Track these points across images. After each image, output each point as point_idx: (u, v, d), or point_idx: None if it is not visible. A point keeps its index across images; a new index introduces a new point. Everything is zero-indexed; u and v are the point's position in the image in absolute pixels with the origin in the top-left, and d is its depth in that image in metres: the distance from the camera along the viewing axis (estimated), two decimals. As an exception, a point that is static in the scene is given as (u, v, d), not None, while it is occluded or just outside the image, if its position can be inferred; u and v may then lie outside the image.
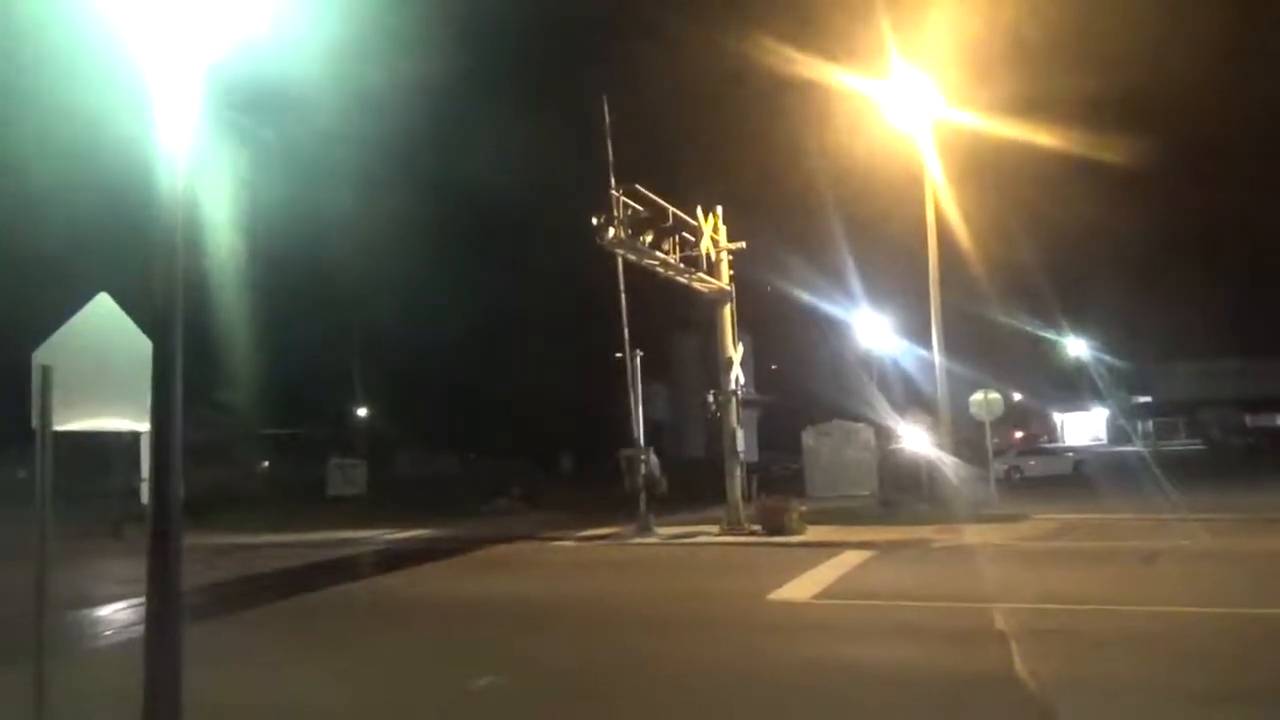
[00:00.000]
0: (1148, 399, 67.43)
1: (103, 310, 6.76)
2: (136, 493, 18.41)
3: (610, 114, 19.62)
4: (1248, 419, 59.99)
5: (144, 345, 6.01)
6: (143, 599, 5.40)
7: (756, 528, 19.51)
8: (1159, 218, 54.98)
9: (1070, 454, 42.05)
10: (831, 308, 37.80)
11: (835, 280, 36.98)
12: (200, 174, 5.63)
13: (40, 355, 6.40)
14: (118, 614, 12.80)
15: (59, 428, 6.42)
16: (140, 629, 5.56)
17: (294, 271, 35.53)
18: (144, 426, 6.11)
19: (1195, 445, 57.37)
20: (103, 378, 6.56)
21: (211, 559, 17.60)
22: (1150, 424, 66.77)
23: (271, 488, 41.09)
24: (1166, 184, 49.20)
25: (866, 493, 26.49)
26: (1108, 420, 70.77)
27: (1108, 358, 61.90)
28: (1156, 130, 36.76)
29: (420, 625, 11.62)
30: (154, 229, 5.41)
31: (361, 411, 55.53)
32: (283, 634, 11.31)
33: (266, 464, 49.54)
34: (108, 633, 12.01)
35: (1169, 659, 8.26)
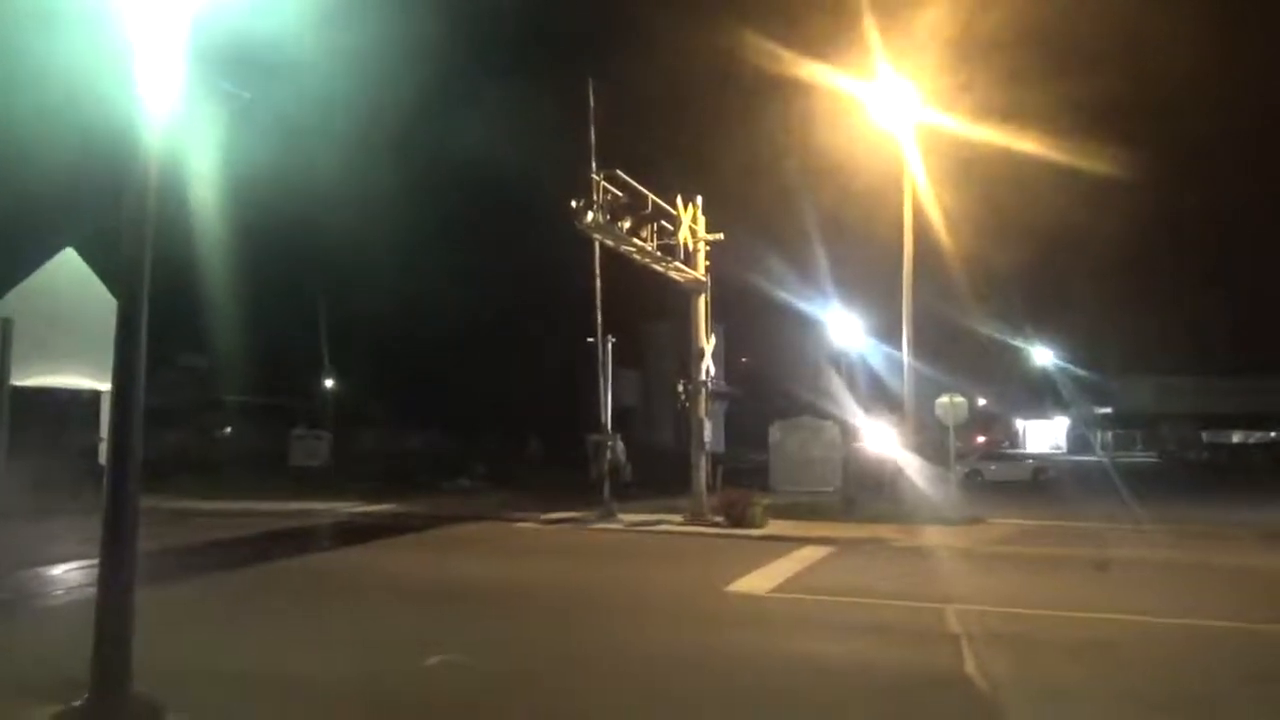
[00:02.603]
0: (1108, 410, 68.54)
1: (68, 265, 6.65)
2: (95, 452, 18.10)
3: (595, 101, 19.49)
4: (1204, 434, 61.35)
5: (109, 303, 5.92)
6: (95, 560, 5.32)
7: (719, 519, 19.58)
8: (1130, 229, 55.89)
9: (1030, 460, 42.66)
10: (805, 304, 38.04)
11: (810, 277, 37.24)
12: (178, 134, 5.55)
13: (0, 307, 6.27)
14: (69, 573, 12.62)
15: (17, 382, 6.31)
16: (92, 590, 5.49)
17: (270, 238, 34.91)
18: (105, 385, 6.02)
19: (1151, 457, 58.50)
20: (65, 334, 6.46)
21: (166, 523, 17.38)
22: (1109, 434, 67.91)
23: (233, 455, 40.59)
24: (1141, 195, 49.92)
25: (830, 489, 26.69)
26: (1068, 429, 71.87)
27: (1071, 367, 62.87)
28: (1136, 140, 37.25)
29: (375, 601, 11.54)
30: (127, 187, 5.32)
31: (329, 383, 55.05)
32: (233, 603, 11.21)
33: (229, 430, 48.96)
34: (58, 592, 11.84)
35: (1119, 665, 8.41)
